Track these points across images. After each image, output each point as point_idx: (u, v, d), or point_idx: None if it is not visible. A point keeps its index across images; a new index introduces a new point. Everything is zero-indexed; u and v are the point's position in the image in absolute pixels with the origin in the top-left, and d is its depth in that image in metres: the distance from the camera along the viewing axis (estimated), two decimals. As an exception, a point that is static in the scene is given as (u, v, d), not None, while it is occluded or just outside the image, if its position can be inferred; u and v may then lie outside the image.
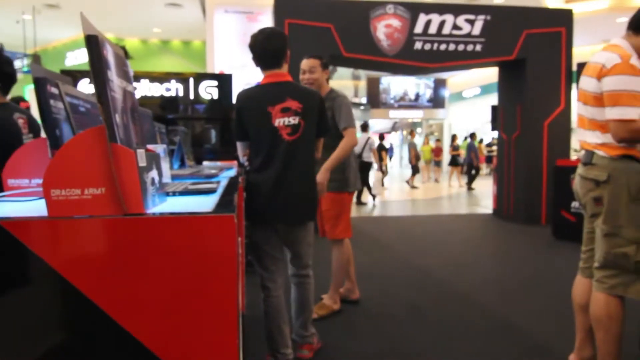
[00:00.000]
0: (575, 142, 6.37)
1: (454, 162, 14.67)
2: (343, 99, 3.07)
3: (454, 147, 14.74)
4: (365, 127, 9.95)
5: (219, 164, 3.29)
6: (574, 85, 5.76)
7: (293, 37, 5.44)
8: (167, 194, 1.20)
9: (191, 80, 4.09)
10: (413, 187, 13.94)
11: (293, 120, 2.22)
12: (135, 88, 1.18)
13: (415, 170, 14.63)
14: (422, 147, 16.17)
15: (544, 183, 6.97)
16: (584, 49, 11.04)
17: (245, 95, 2.29)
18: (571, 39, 7.04)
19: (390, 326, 3.09)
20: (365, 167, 9.48)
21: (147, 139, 1.76)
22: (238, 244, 1.56)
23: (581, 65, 4.42)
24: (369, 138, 9.62)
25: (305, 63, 3.05)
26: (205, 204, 1.06)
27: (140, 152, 0.96)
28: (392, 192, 13.05)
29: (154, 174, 1.02)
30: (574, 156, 7.33)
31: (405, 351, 2.74)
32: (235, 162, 3.37)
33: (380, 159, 14.15)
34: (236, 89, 7.36)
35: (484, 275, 4.34)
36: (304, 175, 2.30)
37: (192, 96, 4.06)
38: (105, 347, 0.90)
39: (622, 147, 2.08)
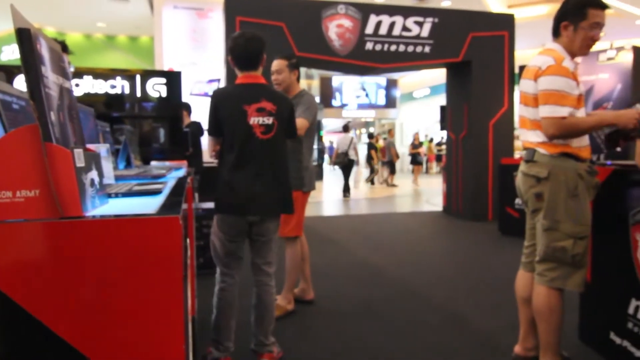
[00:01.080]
0: (518, 141, 6.66)
1: (414, 160, 14.74)
2: (308, 97, 3.16)
3: (414, 146, 14.71)
4: (346, 128, 10.97)
5: (167, 163, 3.19)
6: (516, 87, 6.02)
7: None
8: (109, 196, 1.15)
9: (138, 78, 3.95)
10: (392, 185, 13.84)
11: (267, 120, 2.34)
12: (74, 85, 1.12)
13: (393, 168, 14.43)
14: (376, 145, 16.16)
15: (490, 181, 7.24)
16: (526, 52, 11.56)
17: (222, 92, 2.41)
18: (513, 43, 7.35)
19: (344, 325, 3.11)
20: (349, 165, 10.98)
21: (88, 138, 1.68)
22: (186, 246, 1.51)
23: (523, 68, 4.63)
24: (352, 138, 10.76)
25: (273, 64, 3.16)
26: (149, 205, 1.02)
27: (78, 152, 0.91)
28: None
29: (93, 174, 0.97)
30: (517, 154, 7.66)
31: (360, 350, 2.76)
32: (185, 162, 3.29)
33: (371, 158, 14.31)
34: (186, 86, 7.15)
35: (435, 271, 4.46)
36: (279, 171, 2.43)
37: (139, 94, 3.93)
38: (41, 358, 0.85)
39: (560, 145, 2.18)
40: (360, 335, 2.95)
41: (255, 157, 2.33)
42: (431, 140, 19.73)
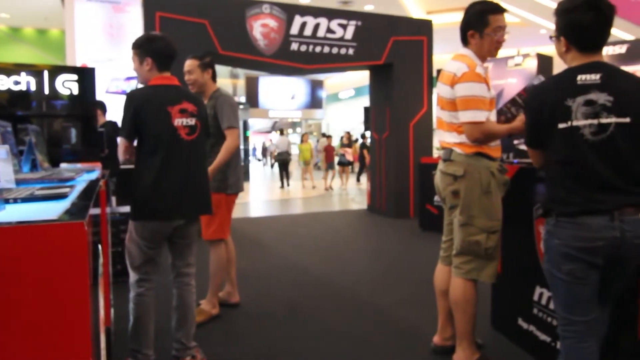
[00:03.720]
0: (436, 141, 6.99)
1: (341, 161, 14.26)
2: (226, 98, 3.08)
3: (342, 145, 14.44)
4: (282, 131, 12.72)
5: (79, 166, 2.99)
6: (434, 89, 6.32)
7: (165, 32, 5.16)
8: (7, 201, 1.05)
9: (46, 74, 3.66)
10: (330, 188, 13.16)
11: (190, 121, 2.33)
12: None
13: (363, 169, 14.07)
14: (300, 145, 15.04)
15: (411, 179, 7.53)
16: (443, 56, 12.13)
17: (141, 94, 2.32)
18: (431, 47, 7.70)
19: (270, 327, 3.09)
20: (287, 161, 13.34)
21: (-16, 139, 1.53)
22: (97, 253, 1.43)
23: (440, 71, 4.86)
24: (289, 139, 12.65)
25: (185, 64, 3.10)
26: (51, 210, 0.94)
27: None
28: (273, 193, 13.12)
29: (-16, 178, 0.88)
30: (436, 154, 8.04)
31: (285, 351, 2.76)
32: (100, 164, 3.11)
33: (363, 157, 14.10)
34: (101, 84, 6.77)
35: (359, 269, 4.56)
36: (201, 172, 2.43)
37: (47, 91, 3.64)
38: None
39: (475, 146, 2.31)
40: (285, 337, 2.94)
41: (182, 160, 2.29)
42: (356, 141, 20.18)
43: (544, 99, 1.73)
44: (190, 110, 2.33)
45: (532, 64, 6.32)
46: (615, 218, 1.60)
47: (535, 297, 2.55)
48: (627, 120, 1.61)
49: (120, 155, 2.37)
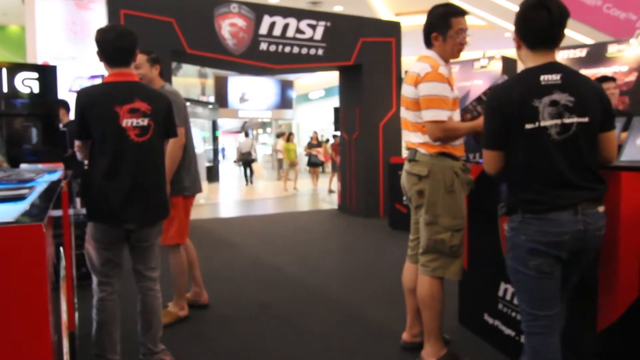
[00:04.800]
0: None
1: (310, 162, 13.68)
2: (173, 97, 2.97)
3: (310, 145, 13.66)
4: (247, 134, 13.27)
5: (40, 166, 2.90)
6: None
7: (130, 30, 5.05)
8: (-40, 203, 1.01)
9: (4, 71, 3.54)
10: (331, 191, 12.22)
11: (142, 121, 2.20)
12: None
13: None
14: (286, 145, 13.78)
15: (381, 179, 7.61)
16: (411, 58, 12.27)
17: (88, 92, 2.21)
18: (400, 49, 7.80)
19: (241, 328, 3.07)
20: (251, 161, 14.26)
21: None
22: (59, 255, 1.39)
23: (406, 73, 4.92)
24: (252, 141, 13.16)
25: None
26: (9, 212, 0.92)
27: None
28: (243, 193, 13.03)
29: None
30: (405, 154, 8.14)
31: (255, 352, 2.74)
32: (62, 164, 3.02)
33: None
34: (65, 82, 6.58)
35: (330, 268, 4.58)
36: (156, 176, 2.30)
37: (5, 89, 3.52)
38: None
39: (439, 146, 2.36)
40: (256, 337, 2.93)
41: (131, 162, 2.18)
42: (327, 141, 20.20)
43: (509, 100, 1.74)
44: (142, 109, 2.20)
45: (497, 66, 6.49)
46: (578, 212, 1.67)
47: (500, 293, 2.62)
48: (586, 119, 1.69)
49: (78, 154, 2.29)
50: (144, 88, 2.33)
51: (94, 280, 2.29)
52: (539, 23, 1.72)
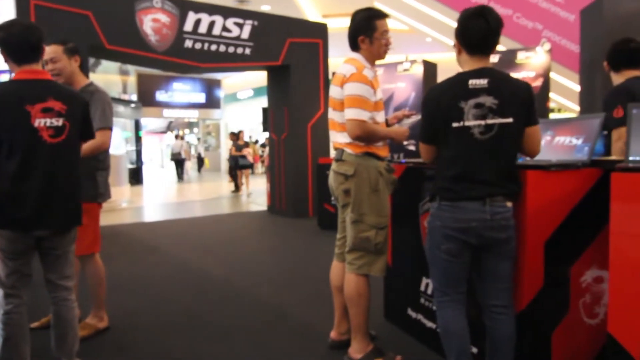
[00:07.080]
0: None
1: (238, 164, 12.52)
2: (102, 96, 2.81)
3: (237, 147, 12.58)
4: (177, 136, 13.97)
5: None
6: (330, 92, 6.48)
7: (41, 23, 4.71)
8: None
9: None
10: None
11: (56, 121, 2.09)
12: None
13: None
14: (252, 146, 13.20)
15: (310, 179, 7.67)
16: (339, 59, 12.45)
17: None
18: (327, 50, 7.91)
19: (168, 335, 2.96)
20: (182, 161, 16.73)
21: None
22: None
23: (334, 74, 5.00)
24: (183, 143, 15.28)
25: (46, 51, 2.60)
26: None
27: None
28: (169, 195, 12.60)
29: None
30: (332, 154, 8.26)
31: (184, 358, 2.66)
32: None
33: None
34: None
35: (259, 270, 4.54)
36: (69, 179, 2.18)
37: None
38: None
39: (364, 146, 2.42)
40: (183, 343, 2.84)
41: (43, 164, 2.05)
42: (256, 142, 20.05)
43: (440, 100, 1.93)
44: (57, 109, 2.09)
45: (419, 70, 6.77)
46: (486, 203, 1.87)
47: (422, 288, 2.73)
48: (510, 120, 1.87)
49: None
50: (58, 86, 2.21)
51: (2, 292, 2.11)
52: (478, 32, 1.90)
